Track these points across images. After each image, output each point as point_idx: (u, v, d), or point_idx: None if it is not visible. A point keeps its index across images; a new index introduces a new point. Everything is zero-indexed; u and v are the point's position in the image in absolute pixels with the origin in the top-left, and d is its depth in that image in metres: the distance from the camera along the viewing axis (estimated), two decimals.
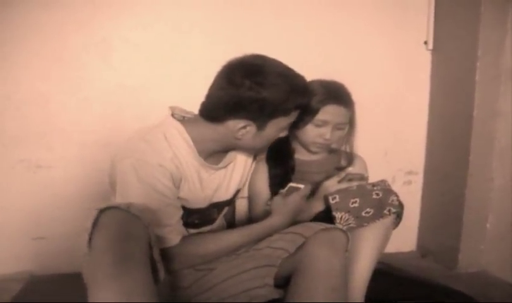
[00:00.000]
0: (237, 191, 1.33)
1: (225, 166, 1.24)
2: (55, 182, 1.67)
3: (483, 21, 1.68)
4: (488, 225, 1.80)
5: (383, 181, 1.26)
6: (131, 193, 1.03)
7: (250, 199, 1.42)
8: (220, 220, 1.32)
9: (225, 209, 1.32)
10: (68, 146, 1.67)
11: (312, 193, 1.31)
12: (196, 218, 1.20)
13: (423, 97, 2.00)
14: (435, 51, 1.96)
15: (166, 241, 1.06)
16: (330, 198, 1.23)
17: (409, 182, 2.03)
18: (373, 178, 1.34)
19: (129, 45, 1.69)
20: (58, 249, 1.64)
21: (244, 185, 1.36)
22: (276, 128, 1.15)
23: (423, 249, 2.02)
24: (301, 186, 1.23)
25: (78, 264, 0.90)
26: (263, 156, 1.47)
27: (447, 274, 1.76)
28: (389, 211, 1.20)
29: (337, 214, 1.21)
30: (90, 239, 0.84)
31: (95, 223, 0.85)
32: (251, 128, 1.11)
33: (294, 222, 1.17)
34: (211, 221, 1.27)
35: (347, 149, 1.49)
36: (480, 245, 1.80)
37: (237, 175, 1.29)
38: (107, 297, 0.77)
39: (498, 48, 1.71)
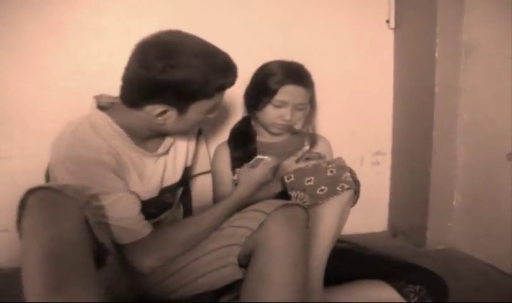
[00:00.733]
0: (187, 169, 1.28)
1: (166, 151, 1.19)
2: (15, 173, 1.62)
3: None
4: (454, 203, 1.82)
5: (339, 158, 1.26)
6: None
7: (214, 181, 1.42)
8: (176, 204, 1.29)
9: (180, 190, 1.29)
10: (27, 135, 1.64)
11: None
12: (152, 207, 1.15)
13: (387, 76, 1.99)
14: (397, 29, 1.96)
15: (134, 234, 1.02)
16: (285, 178, 1.23)
17: (377, 163, 2.03)
18: None
19: (86, 30, 1.64)
20: None
21: (192, 161, 1.31)
22: (200, 111, 1.08)
23: (394, 229, 2.04)
24: (269, 158, 1.24)
25: None
26: (225, 140, 1.48)
27: (416, 252, 1.78)
28: (342, 187, 1.18)
29: (293, 193, 1.21)
30: (18, 221, 0.82)
31: (22, 205, 0.82)
32: (172, 113, 1.04)
33: (254, 201, 1.14)
34: (168, 206, 1.23)
35: (310, 131, 1.49)
36: (447, 223, 1.82)
37: (182, 155, 1.25)
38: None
39: (456, 25, 1.71)
